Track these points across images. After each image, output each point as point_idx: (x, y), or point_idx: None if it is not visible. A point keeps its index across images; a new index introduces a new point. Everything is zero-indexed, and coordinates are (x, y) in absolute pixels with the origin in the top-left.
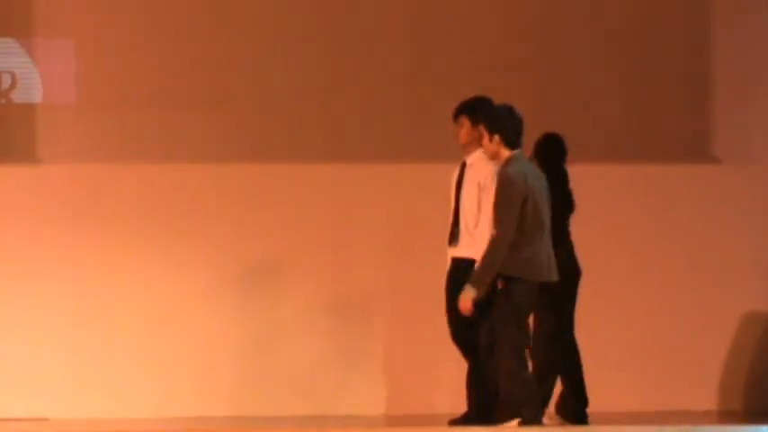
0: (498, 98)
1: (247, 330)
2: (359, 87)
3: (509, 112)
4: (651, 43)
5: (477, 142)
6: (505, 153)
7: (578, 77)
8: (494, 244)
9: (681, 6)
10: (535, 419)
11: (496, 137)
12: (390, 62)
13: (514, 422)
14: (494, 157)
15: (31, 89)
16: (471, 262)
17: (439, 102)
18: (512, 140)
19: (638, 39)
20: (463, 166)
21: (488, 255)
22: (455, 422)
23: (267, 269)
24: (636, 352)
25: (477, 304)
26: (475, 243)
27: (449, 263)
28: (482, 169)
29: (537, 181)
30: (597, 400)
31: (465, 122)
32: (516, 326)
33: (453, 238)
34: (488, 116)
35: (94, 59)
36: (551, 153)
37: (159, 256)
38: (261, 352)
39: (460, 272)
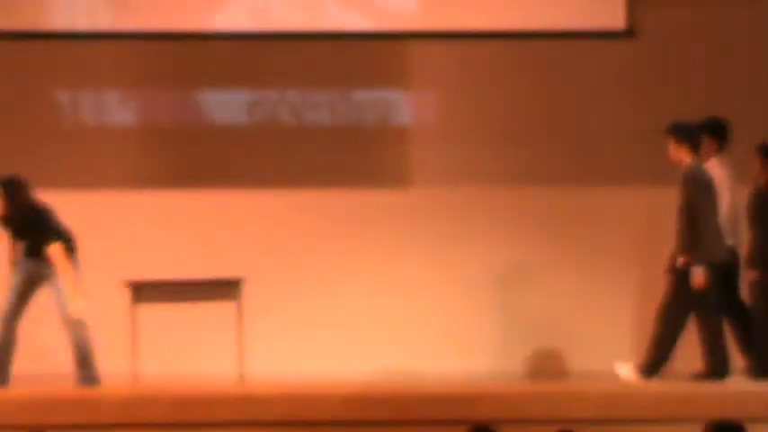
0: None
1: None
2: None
3: (699, 124)
4: None
5: (707, 154)
6: (688, 158)
7: None
8: (701, 227)
9: None
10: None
11: (686, 144)
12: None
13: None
14: (680, 161)
15: (404, 118)
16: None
17: None
18: (696, 148)
19: None
20: None
21: (699, 237)
22: (697, 377)
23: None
24: None
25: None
26: None
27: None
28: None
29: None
30: None
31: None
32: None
33: None
34: (680, 128)
35: (458, 97)
36: None
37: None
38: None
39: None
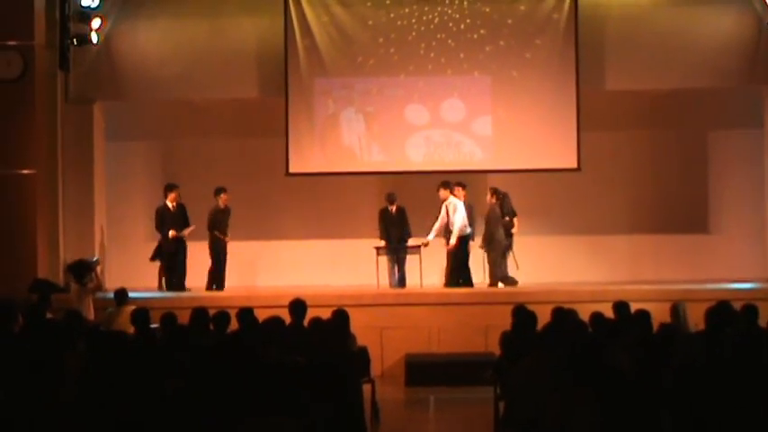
0: None
1: None
2: None
3: (446, 182)
4: None
5: (459, 194)
6: (448, 196)
7: None
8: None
9: None
10: None
11: (448, 191)
12: None
13: None
14: (446, 198)
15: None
16: None
17: None
18: (452, 191)
19: None
20: None
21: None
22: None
23: None
24: None
25: None
26: None
27: None
28: None
29: None
30: None
31: None
32: None
33: None
34: (444, 182)
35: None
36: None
37: None
38: None
39: None
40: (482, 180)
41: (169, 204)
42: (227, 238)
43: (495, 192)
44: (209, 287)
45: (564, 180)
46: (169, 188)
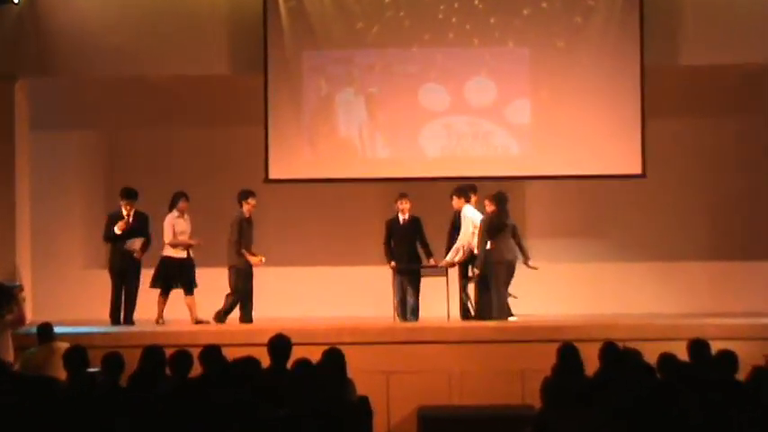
0: None
1: None
2: None
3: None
4: None
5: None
6: (461, 205)
7: None
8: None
9: None
10: None
11: (462, 198)
12: None
13: None
14: (460, 207)
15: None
16: None
17: None
18: (468, 200)
19: None
20: None
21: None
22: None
23: None
24: None
25: None
26: None
27: None
28: None
29: None
30: None
31: None
32: None
33: None
34: (459, 189)
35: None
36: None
37: None
38: None
39: None
40: (518, 186)
41: (124, 212)
42: (260, 259)
43: (492, 197)
44: (217, 318)
45: (622, 187)
46: (123, 195)
